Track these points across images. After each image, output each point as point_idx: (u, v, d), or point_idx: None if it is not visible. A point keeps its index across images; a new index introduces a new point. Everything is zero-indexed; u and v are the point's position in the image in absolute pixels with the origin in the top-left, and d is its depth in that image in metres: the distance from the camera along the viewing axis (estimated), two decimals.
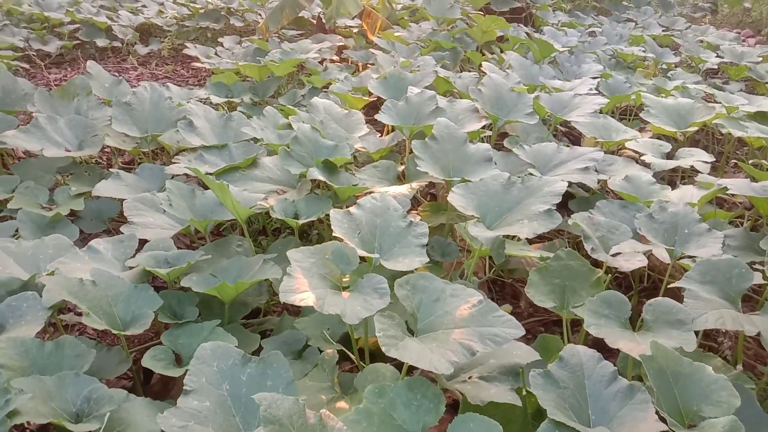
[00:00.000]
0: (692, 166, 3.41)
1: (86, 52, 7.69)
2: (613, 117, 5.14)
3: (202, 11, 8.38)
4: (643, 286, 3.13)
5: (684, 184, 3.89)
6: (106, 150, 4.54)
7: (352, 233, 2.17)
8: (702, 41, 7.38)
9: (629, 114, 5.21)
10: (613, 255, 2.23)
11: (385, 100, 3.86)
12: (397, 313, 1.85)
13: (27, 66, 6.47)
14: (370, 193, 2.81)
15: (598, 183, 3.25)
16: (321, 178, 2.66)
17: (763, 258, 2.50)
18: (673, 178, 4.15)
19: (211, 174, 3.11)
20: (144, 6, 9.02)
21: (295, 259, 1.95)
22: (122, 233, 2.65)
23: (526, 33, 6.03)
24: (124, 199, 2.88)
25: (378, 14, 6.86)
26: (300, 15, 7.56)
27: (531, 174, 2.84)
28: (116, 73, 7.12)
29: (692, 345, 1.75)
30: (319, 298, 1.79)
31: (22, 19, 7.87)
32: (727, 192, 2.82)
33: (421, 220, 2.91)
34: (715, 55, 6.33)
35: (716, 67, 6.33)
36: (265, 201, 2.59)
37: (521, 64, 4.67)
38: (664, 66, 6.13)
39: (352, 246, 2.02)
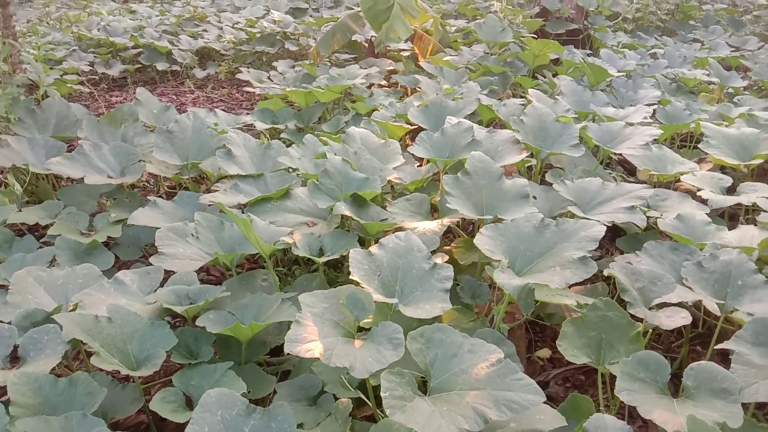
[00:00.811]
0: (755, 204, 3.14)
1: (147, 75, 7.96)
2: (672, 144, 4.87)
3: (258, 36, 8.54)
4: (697, 332, 2.89)
5: (747, 221, 3.61)
6: (154, 174, 4.64)
7: (371, 275, 2.07)
8: None
9: (690, 141, 4.92)
10: (654, 307, 2.03)
11: (425, 129, 3.77)
12: (411, 367, 1.73)
13: (88, 90, 6.73)
14: (400, 228, 2.71)
15: (651, 219, 3.04)
16: (347, 213, 2.58)
17: None
18: (737, 212, 3.85)
19: (243, 205, 3.09)
20: (204, 30, 9.30)
21: (307, 303, 1.87)
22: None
23: (581, 56, 5.82)
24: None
25: (430, 38, 6.79)
26: (353, 39, 7.59)
27: (572, 212, 2.67)
28: (174, 96, 7.34)
29: (738, 420, 1.55)
30: (328, 349, 1.70)
31: (90, 44, 8.25)
32: None
33: (453, 256, 2.79)
34: None
35: None
36: (290, 236, 2.53)
37: (573, 90, 4.48)
38: (730, 90, 5.78)
39: (368, 291, 1.92)
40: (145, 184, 4.59)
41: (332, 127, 4.67)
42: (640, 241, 3.07)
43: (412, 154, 3.38)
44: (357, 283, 1.99)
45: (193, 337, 2.24)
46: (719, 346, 1.81)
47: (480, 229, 2.22)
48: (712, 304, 2.08)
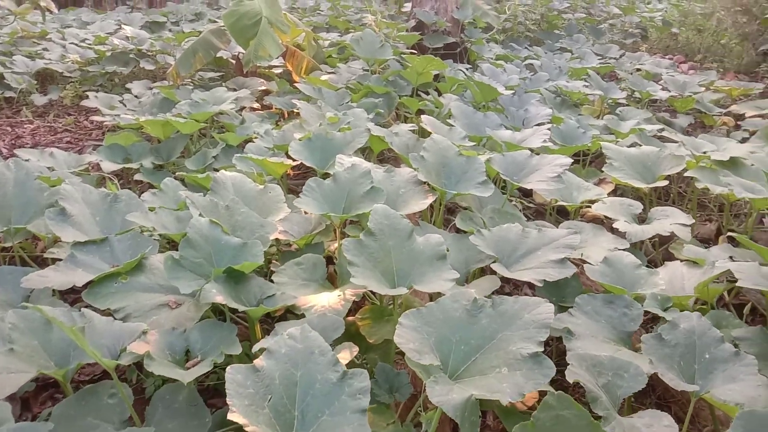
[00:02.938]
0: (672, 233, 2.91)
1: None
2: None
3: (109, 54, 7.57)
4: None
5: (653, 244, 3.42)
6: None
7: (259, 402, 1.51)
8: (639, 69, 7.14)
9: (582, 156, 4.77)
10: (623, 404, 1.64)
11: (309, 166, 3.25)
12: None
13: None
14: (292, 307, 2.16)
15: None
16: (220, 299, 1.97)
17: None
18: None
19: (83, 286, 2.37)
20: (45, 49, 8.15)
21: None
22: None
23: (465, 73, 5.55)
24: None
25: (303, 54, 6.26)
26: (218, 55, 6.89)
27: (493, 269, 2.25)
28: (8, 128, 6.25)
29: None
30: None
31: None
32: (737, 284, 2.29)
33: (360, 331, 2.28)
34: (660, 87, 6.04)
35: (660, 98, 6.03)
36: (142, 338, 1.89)
37: (463, 112, 4.14)
38: (610, 101, 5.77)
39: None
40: None
41: (197, 163, 4.00)
42: (561, 287, 2.73)
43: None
44: (240, 428, 1.41)
45: None
46: None
47: (400, 319, 1.71)
48: (682, 388, 1.72)
